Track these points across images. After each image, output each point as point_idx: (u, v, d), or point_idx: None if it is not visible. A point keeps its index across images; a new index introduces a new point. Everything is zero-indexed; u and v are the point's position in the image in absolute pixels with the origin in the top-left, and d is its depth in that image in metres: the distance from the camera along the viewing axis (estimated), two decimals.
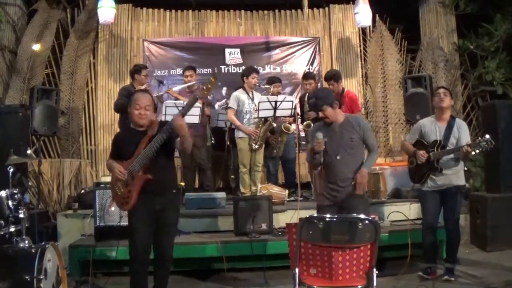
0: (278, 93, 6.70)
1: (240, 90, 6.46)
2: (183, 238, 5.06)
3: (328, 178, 4.14)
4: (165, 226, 3.83)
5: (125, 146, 3.85)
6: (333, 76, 6.52)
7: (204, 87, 3.77)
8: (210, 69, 8.33)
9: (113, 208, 4.97)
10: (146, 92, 4.22)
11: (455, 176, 4.55)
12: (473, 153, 4.30)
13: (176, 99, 6.53)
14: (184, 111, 3.73)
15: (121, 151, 3.88)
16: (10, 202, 3.98)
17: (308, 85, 6.71)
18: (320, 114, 4.13)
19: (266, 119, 6.22)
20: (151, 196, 3.73)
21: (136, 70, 6.49)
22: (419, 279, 4.66)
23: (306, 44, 8.69)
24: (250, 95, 6.38)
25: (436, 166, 4.51)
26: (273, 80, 6.86)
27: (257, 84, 6.53)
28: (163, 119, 6.08)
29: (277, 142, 6.63)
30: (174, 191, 3.95)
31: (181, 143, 3.78)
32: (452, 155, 4.49)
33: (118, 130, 6.73)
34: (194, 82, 6.70)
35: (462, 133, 4.54)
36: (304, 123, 6.59)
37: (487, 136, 4.23)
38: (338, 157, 4.06)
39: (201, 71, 8.36)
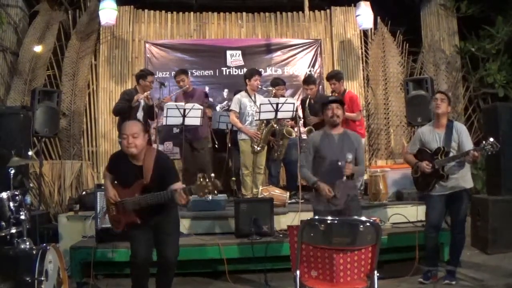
0: (282, 96, 6.68)
1: (242, 92, 6.46)
2: (184, 240, 5.05)
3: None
4: (164, 236, 3.85)
5: (120, 174, 3.85)
6: (334, 76, 6.54)
7: (201, 189, 3.37)
8: (212, 71, 8.33)
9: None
10: (135, 120, 4.07)
11: (462, 180, 4.53)
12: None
13: None
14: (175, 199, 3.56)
15: (115, 175, 3.89)
16: (11, 204, 3.98)
17: (309, 90, 6.67)
18: (335, 110, 4.34)
19: (268, 121, 6.22)
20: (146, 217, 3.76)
21: (142, 75, 6.41)
22: (419, 284, 4.64)
23: (308, 46, 8.69)
24: (252, 97, 6.39)
25: (442, 173, 4.48)
26: (277, 82, 6.83)
27: (260, 86, 6.53)
28: (164, 122, 6.09)
29: (279, 146, 6.62)
30: (171, 205, 3.87)
31: None
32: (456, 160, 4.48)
33: (118, 133, 6.71)
34: (187, 86, 6.60)
35: (463, 137, 4.51)
36: (306, 128, 6.58)
37: (491, 139, 4.21)
38: (340, 163, 4.17)
39: (202, 73, 8.40)
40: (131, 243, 3.85)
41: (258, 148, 6.24)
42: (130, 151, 3.67)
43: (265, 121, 6.21)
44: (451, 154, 4.48)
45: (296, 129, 6.68)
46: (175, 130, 6.92)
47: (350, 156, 4.11)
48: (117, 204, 3.80)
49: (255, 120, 6.23)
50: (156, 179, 3.67)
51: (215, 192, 3.36)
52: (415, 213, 5.65)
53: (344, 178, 4.13)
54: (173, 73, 8.22)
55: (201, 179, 3.35)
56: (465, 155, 4.35)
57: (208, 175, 3.34)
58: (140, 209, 3.68)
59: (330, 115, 4.34)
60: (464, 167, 4.53)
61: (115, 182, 3.88)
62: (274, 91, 6.57)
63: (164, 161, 3.83)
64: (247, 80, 6.43)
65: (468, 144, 4.47)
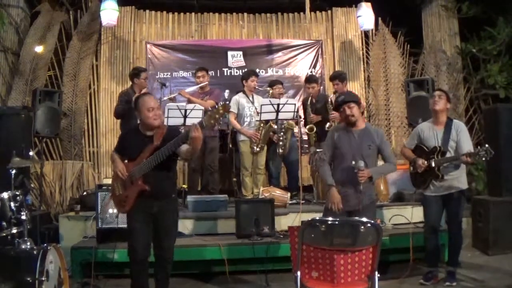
0: (281, 95, 6.71)
1: (240, 94, 6.49)
2: (185, 241, 5.07)
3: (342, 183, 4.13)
4: (163, 228, 3.87)
5: (131, 148, 3.90)
6: (338, 76, 6.54)
7: (212, 116, 3.50)
8: (213, 72, 8.32)
9: (110, 210, 4.97)
10: (149, 93, 4.22)
11: (456, 180, 4.53)
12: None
13: (189, 100, 6.46)
14: (183, 139, 3.62)
15: (125, 151, 3.95)
16: (12, 204, 3.99)
17: (311, 89, 6.68)
18: (347, 111, 4.14)
19: (266, 121, 6.22)
20: (150, 200, 3.78)
21: (135, 73, 6.38)
22: (420, 285, 4.64)
23: (309, 47, 8.69)
24: (250, 98, 6.41)
25: (437, 173, 4.50)
26: (274, 82, 6.87)
27: (257, 87, 6.54)
28: (165, 122, 6.09)
29: (282, 140, 6.60)
30: (173, 195, 4.01)
31: (188, 153, 3.70)
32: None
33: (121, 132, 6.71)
34: (206, 82, 6.67)
35: (462, 135, 4.52)
36: (307, 126, 6.59)
37: (486, 145, 4.25)
38: (355, 170, 4.01)
39: None
40: (130, 235, 3.85)
41: (257, 149, 6.26)
42: (157, 123, 3.83)
43: (263, 121, 6.22)
44: (448, 154, 4.49)
45: (296, 128, 6.70)
46: None
47: (361, 164, 3.95)
48: (124, 180, 3.82)
49: (255, 120, 6.24)
50: (166, 142, 3.72)
51: (223, 113, 3.50)
52: (415, 214, 5.65)
53: (361, 186, 3.96)
54: (174, 73, 8.31)
55: (211, 110, 3.61)
56: (458, 158, 4.38)
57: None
58: (149, 174, 3.71)
59: (344, 116, 4.21)
60: (459, 168, 4.54)
61: (126, 161, 3.92)
62: (271, 91, 6.59)
63: (175, 129, 4.06)
64: (244, 81, 6.47)
65: (466, 144, 4.48)
